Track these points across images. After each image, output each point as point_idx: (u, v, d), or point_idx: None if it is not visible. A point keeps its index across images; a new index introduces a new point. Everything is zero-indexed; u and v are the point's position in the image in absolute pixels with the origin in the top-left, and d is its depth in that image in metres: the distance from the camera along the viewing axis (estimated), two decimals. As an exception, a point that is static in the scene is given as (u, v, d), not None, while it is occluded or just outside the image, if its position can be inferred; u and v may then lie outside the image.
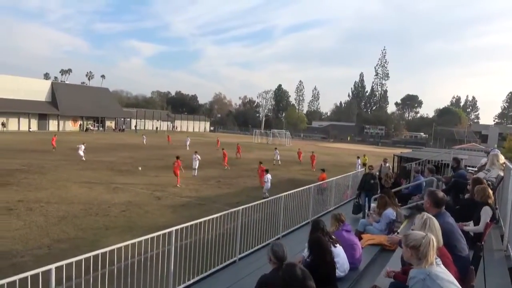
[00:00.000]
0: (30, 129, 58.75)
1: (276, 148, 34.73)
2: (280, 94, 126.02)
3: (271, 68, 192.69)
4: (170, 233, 5.69)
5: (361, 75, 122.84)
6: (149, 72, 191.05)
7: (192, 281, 6.17)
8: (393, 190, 9.38)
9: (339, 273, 4.92)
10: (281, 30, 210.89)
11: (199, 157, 22.90)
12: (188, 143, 40.52)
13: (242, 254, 7.47)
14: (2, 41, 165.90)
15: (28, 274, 3.81)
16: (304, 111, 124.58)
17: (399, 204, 8.69)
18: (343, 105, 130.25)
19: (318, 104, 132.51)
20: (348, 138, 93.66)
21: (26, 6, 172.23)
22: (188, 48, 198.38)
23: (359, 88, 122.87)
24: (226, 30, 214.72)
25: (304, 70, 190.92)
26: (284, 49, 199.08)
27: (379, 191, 10.53)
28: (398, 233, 6.76)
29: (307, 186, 10.52)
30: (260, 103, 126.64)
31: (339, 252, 5.03)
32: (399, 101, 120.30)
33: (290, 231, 9.45)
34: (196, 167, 22.77)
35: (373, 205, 9.78)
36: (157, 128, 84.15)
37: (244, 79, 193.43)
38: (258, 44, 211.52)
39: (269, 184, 17.34)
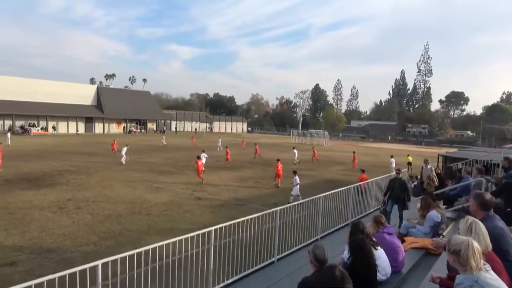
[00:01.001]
0: (78, 132, 62.10)
1: (294, 148, 34.09)
2: (317, 94, 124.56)
3: (308, 67, 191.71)
4: (209, 232, 5.81)
5: (402, 72, 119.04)
6: (188, 75, 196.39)
7: (231, 280, 6.25)
8: (436, 192, 8.98)
9: (380, 276, 4.80)
10: (317, 29, 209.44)
11: (206, 155, 24.96)
12: (219, 144, 40.96)
13: (281, 255, 7.47)
14: (52, 49, 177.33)
15: (77, 269, 4.04)
16: (343, 111, 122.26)
17: (444, 207, 8.32)
18: (383, 103, 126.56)
19: (357, 103, 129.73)
20: (389, 138, 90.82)
21: (73, 15, 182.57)
22: (225, 50, 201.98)
23: (400, 85, 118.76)
24: (262, 31, 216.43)
25: (342, 69, 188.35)
26: (321, 48, 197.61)
27: (421, 195, 10.05)
28: (443, 236, 6.46)
29: (346, 187, 10.34)
30: (297, 103, 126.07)
31: (380, 255, 4.89)
32: (443, 99, 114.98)
33: (329, 232, 9.33)
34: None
35: (405, 214, 9.37)
36: (196, 129, 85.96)
37: (281, 79, 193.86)
38: (294, 44, 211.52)
39: (298, 187, 15.84)
